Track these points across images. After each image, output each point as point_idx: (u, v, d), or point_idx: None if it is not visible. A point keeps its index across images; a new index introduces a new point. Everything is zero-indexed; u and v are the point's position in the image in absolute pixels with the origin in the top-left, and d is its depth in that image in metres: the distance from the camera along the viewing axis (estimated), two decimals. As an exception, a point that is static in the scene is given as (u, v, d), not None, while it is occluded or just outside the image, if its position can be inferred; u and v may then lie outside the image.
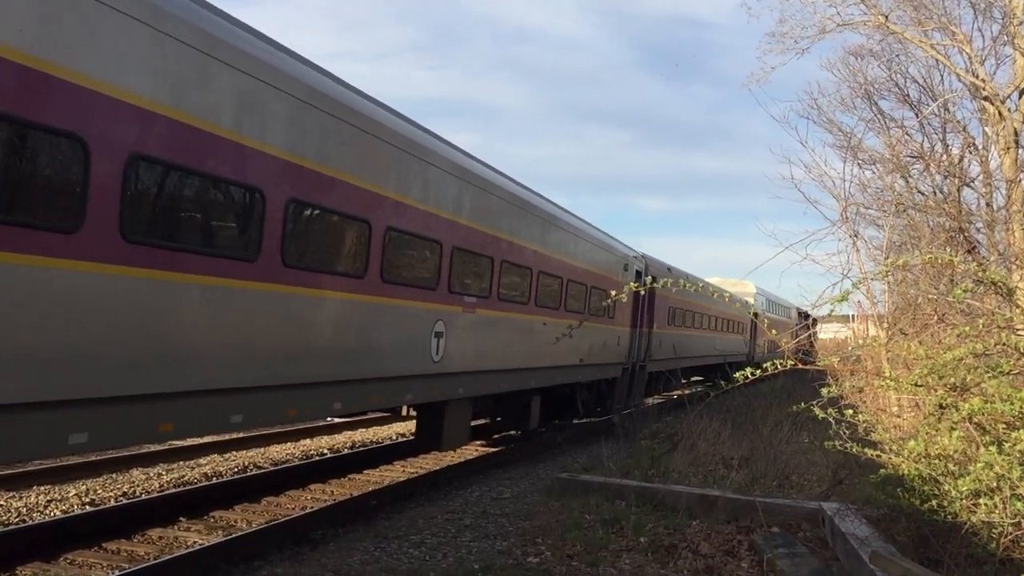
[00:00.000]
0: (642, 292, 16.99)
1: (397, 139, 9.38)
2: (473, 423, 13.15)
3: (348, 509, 10.15)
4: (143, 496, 10.22)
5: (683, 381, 17.29)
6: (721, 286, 20.96)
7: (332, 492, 11.44)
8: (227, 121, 6.60)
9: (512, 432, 16.07)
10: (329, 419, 15.18)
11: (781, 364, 6.53)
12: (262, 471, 12.26)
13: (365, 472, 12.83)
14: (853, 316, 20.88)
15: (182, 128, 6.11)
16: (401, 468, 13.44)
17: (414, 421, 12.84)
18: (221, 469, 12.24)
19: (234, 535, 8.73)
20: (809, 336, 12.94)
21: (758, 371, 6.49)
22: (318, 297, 8.05)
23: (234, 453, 13.40)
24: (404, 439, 16.23)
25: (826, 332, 44.00)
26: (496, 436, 16.26)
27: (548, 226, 14.14)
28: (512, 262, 12.56)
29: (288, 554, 8.23)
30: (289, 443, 14.78)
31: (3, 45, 4.83)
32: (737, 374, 6.56)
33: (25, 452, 5.88)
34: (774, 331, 9.24)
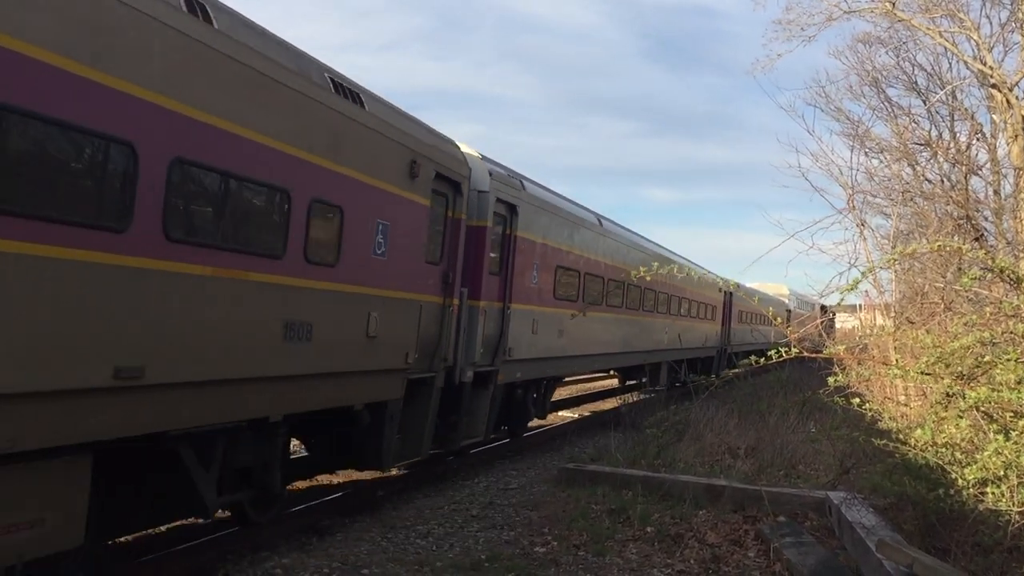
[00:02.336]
0: (724, 299, 30.08)
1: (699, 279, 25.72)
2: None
3: (355, 499, 10.17)
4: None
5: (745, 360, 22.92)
6: (763, 289, 37.15)
7: (339, 482, 11.46)
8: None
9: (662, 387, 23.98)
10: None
11: (786, 352, 6.52)
12: (269, 462, 12.28)
13: (372, 463, 12.83)
14: (860, 305, 20.85)
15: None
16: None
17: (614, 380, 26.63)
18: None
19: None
20: (818, 325, 13.36)
21: (762, 359, 6.50)
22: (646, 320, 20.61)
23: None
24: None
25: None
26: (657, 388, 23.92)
27: (702, 282, 26.28)
28: (684, 298, 24.38)
29: (295, 544, 8.25)
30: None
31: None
32: (742, 361, 6.60)
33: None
34: (778, 321, 9.45)
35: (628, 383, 24.83)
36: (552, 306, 13.84)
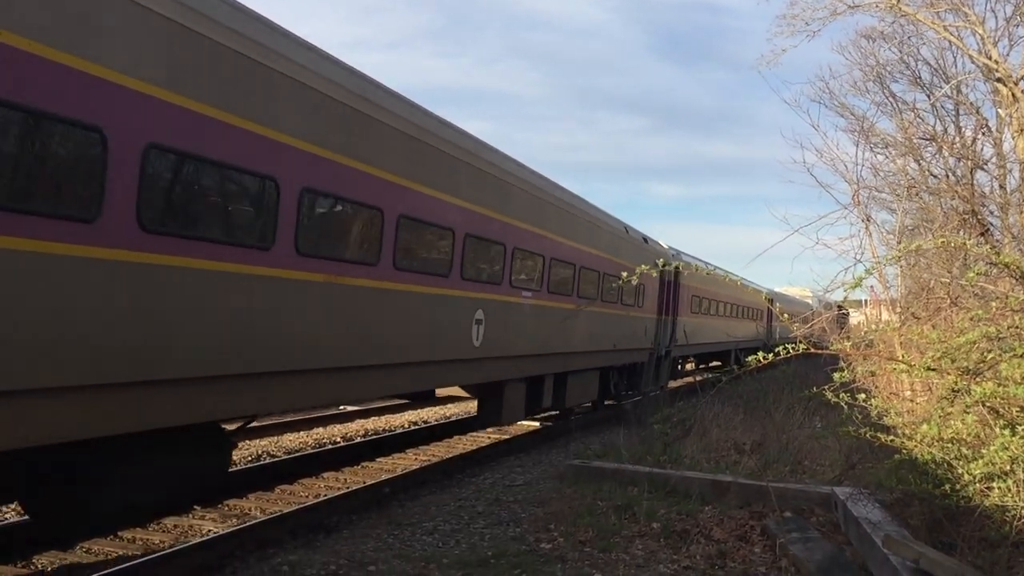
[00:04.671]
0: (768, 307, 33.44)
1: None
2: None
3: (362, 497, 10.21)
4: (158, 485, 10.28)
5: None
6: (790, 293, 43.97)
7: (345, 480, 11.51)
8: None
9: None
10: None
11: (793, 349, 6.52)
12: (276, 459, 12.35)
13: (378, 460, 12.90)
14: (866, 301, 20.82)
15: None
16: (414, 456, 13.50)
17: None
18: (235, 458, 12.31)
19: (248, 523, 8.80)
20: (821, 322, 13.62)
21: (771, 355, 6.50)
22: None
23: (248, 442, 13.47)
24: (415, 427, 16.30)
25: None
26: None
27: (744, 290, 30.86)
28: (746, 306, 33.87)
29: (302, 541, 8.29)
30: (302, 431, 14.86)
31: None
32: (750, 358, 6.64)
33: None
34: (785, 318, 9.53)
35: (700, 366, 33.85)
36: (688, 316, 24.29)
